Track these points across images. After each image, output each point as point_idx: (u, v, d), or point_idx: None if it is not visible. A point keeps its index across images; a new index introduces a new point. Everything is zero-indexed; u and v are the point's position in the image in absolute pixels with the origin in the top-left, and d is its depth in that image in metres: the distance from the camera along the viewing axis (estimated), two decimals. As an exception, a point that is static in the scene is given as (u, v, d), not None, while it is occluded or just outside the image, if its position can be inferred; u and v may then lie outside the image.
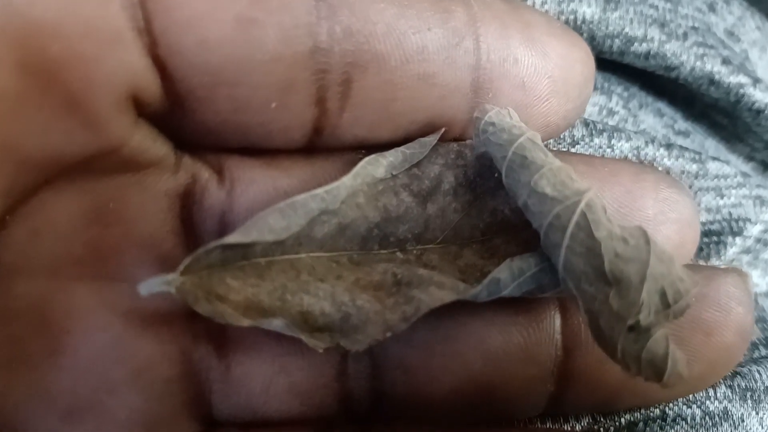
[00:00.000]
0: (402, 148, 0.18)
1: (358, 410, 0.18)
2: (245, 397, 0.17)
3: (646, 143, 0.24)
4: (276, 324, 0.16)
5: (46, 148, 0.15)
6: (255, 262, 0.17)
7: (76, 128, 0.15)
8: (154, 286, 0.15)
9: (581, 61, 0.19)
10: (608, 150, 0.24)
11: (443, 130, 0.18)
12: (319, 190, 0.17)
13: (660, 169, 0.24)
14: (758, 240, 0.24)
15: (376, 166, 0.18)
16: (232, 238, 0.16)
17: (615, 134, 0.24)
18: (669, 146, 0.24)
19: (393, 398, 0.18)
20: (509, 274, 0.16)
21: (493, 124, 0.17)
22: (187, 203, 0.18)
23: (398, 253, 0.18)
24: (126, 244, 0.17)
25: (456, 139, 0.19)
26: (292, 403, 0.18)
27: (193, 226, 0.18)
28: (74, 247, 0.17)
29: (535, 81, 0.18)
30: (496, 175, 0.18)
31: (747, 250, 0.24)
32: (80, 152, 0.16)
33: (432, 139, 0.18)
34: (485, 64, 0.18)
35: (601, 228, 0.14)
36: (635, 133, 0.24)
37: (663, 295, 0.14)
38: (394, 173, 0.18)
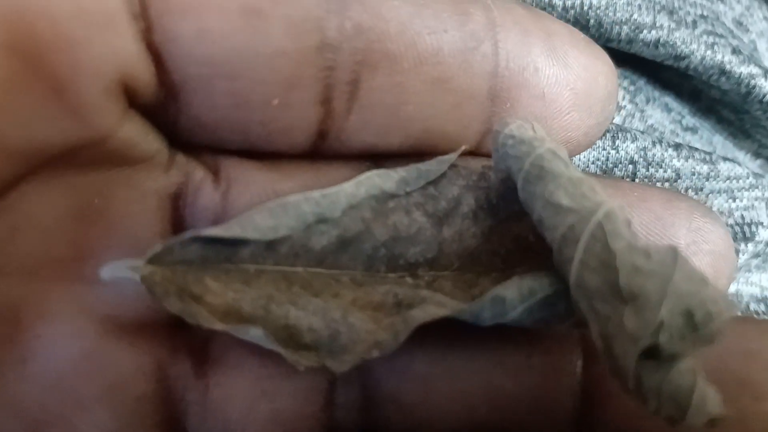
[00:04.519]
0: (417, 164, 0.17)
1: None
2: (223, 423, 0.16)
3: (653, 143, 0.23)
4: (254, 334, 0.14)
5: (29, 135, 0.14)
6: (242, 267, 0.16)
7: (61, 115, 0.14)
8: (117, 270, 0.14)
9: (605, 74, 0.17)
10: (612, 152, 0.23)
11: (463, 147, 0.17)
12: (315, 193, 0.16)
13: (691, 196, 0.23)
14: (768, 244, 0.23)
15: (385, 179, 0.16)
16: (211, 231, 0.15)
17: (619, 134, 0.23)
18: (678, 146, 0.23)
19: None
20: (517, 294, 0.14)
21: (513, 137, 0.16)
22: (178, 204, 0.17)
23: (408, 278, 0.17)
24: (109, 244, 0.16)
25: (471, 153, 0.18)
26: None
27: (183, 229, 0.17)
28: (55, 246, 0.16)
29: (556, 92, 0.17)
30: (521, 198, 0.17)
31: (757, 254, 0.24)
32: (65, 141, 0.15)
33: (451, 157, 0.17)
34: (503, 72, 0.16)
35: (619, 239, 0.13)
36: (641, 132, 0.23)
37: (689, 316, 0.12)
38: (407, 190, 0.17)
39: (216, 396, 0.16)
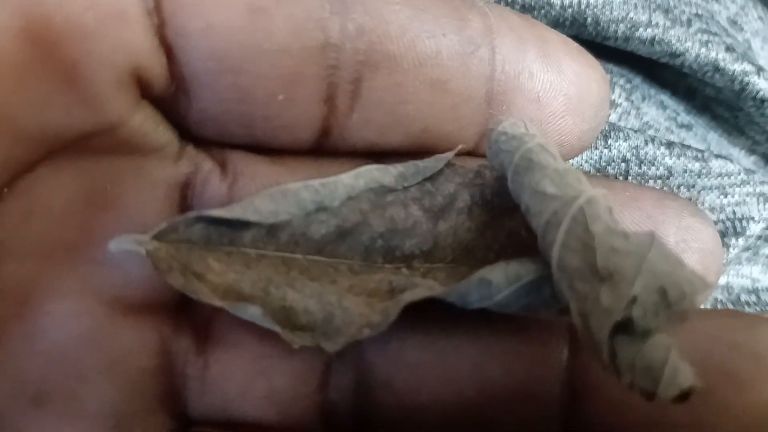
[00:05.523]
0: (415, 161, 0.17)
1: (341, 427, 0.17)
2: (221, 398, 0.17)
3: (646, 142, 0.23)
4: (252, 312, 0.15)
5: (44, 121, 0.15)
6: (244, 251, 0.16)
7: (74, 102, 0.15)
8: (124, 243, 0.15)
9: (597, 81, 0.18)
10: (605, 150, 0.23)
11: (460, 146, 0.18)
12: (314, 182, 0.16)
13: (681, 196, 0.23)
14: (759, 237, 0.24)
15: (383, 173, 0.17)
16: (214, 212, 0.15)
17: (612, 133, 0.23)
18: (670, 145, 0.23)
19: (378, 417, 0.17)
20: (503, 278, 0.15)
21: (505, 133, 0.16)
22: (187, 194, 0.17)
23: (404, 269, 0.17)
24: (118, 229, 0.16)
25: (469, 153, 0.18)
26: (269, 411, 0.17)
27: None
28: (67, 230, 0.16)
29: (550, 97, 0.18)
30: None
31: (747, 248, 0.24)
32: (78, 128, 0.15)
33: (448, 156, 0.17)
34: (500, 76, 0.17)
35: (598, 222, 0.13)
36: (634, 131, 0.23)
37: (663, 294, 0.12)
38: (405, 185, 0.17)
39: (215, 372, 0.17)
